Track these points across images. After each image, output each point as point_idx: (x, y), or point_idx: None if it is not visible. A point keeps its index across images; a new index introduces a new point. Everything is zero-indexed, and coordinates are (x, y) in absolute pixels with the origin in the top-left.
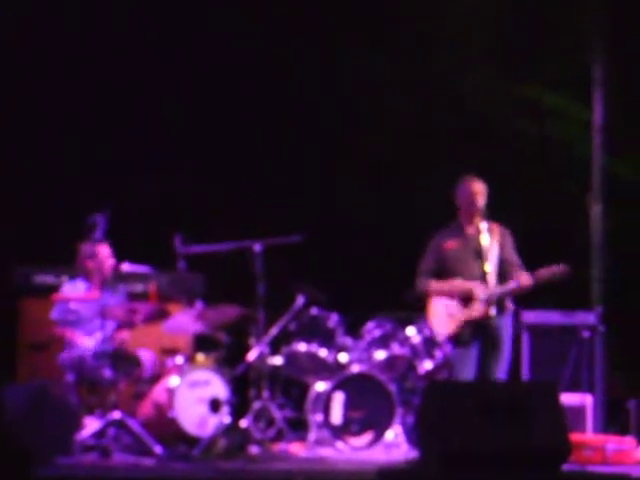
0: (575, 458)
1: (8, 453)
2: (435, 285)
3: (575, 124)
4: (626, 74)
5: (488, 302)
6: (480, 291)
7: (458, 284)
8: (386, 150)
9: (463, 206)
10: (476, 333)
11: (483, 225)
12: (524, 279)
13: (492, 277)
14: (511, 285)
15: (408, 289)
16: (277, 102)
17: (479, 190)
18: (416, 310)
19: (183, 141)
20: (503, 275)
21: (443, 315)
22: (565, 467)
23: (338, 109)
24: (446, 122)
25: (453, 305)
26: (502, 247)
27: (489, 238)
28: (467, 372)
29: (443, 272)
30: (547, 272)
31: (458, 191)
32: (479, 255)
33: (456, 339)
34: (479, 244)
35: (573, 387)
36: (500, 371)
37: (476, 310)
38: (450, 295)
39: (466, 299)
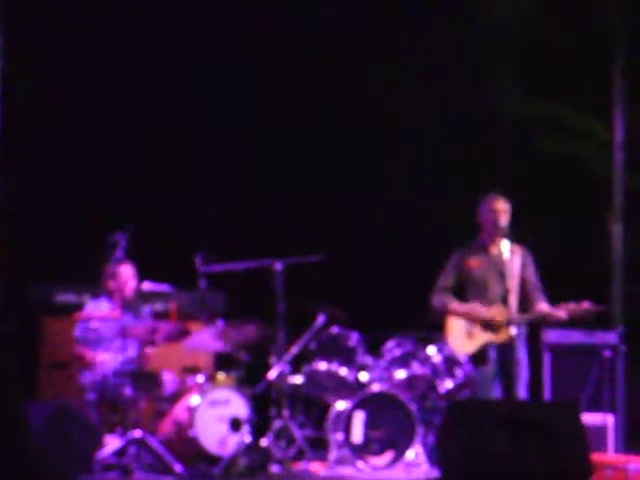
0: (596, 478)
1: (34, 473)
2: (455, 306)
3: (595, 142)
4: None
5: (509, 325)
6: (501, 317)
7: (478, 310)
8: (409, 167)
9: (486, 224)
10: (494, 353)
11: (506, 245)
12: (556, 313)
13: (514, 299)
14: (537, 314)
15: (427, 311)
16: (298, 122)
17: (503, 208)
18: (437, 329)
19: (204, 160)
20: (524, 297)
21: (463, 335)
22: None
23: (361, 127)
24: (467, 140)
25: (474, 325)
26: (524, 268)
27: (512, 259)
28: (491, 392)
29: (464, 290)
30: (578, 309)
31: (481, 209)
32: (502, 276)
33: (475, 359)
34: (502, 264)
35: (594, 407)
36: (521, 391)
37: (499, 334)
38: (468, 319)
39: (486, 321)
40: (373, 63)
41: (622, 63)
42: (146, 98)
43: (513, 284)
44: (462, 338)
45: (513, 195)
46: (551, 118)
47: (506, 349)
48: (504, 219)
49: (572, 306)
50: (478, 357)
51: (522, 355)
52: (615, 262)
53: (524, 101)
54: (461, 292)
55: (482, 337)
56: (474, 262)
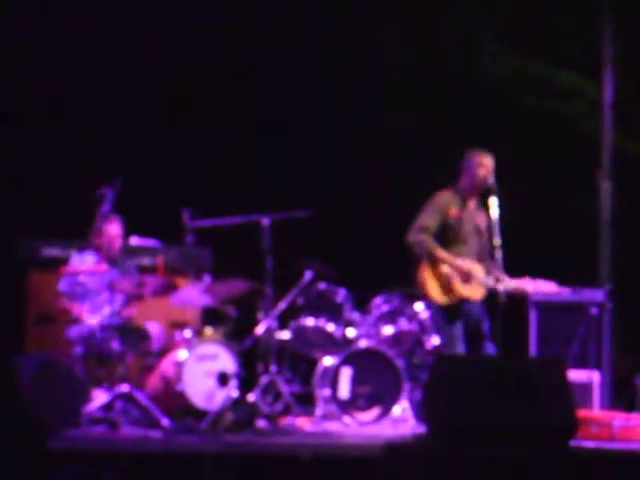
0: (582, 434)
1: (23, 425)
2: (443, 254)
3: (585, 101)
4: (636, 51)
5: (486, 287)
6: (482, 277)
7: (464, 263)
8: (397, 126)
9: (473, 178)
10: (461, 312)
11: (489, 201)
12: (528, 286)
13: (487, 256)
14: (512, 286)
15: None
16: (288, 79)
17: (492, 166)
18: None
19: (194, 115)
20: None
21: (442, 285)
22: (572, 443)
23: (349, 87)
24: (455, 98)
25: (454, 277)
26: (490, 229)
27: (483, 216)
28: (459, 349)
29: (442, 237)
30: (546, 287)
31: (470, 161)
32: (478, 232)
33: (447, 313)
34: (478, 220)
35: (580, 364)
36: (489, 349)
37: (476, 291)
38: (453, 269)
39: (466, 276)
40: (357, 16)
41: (611, 21)
42: (138, 54)
43: (485, 242)
44: (440, 288)
45: (500, 153)
46: (540, 76)
47: (479, 307)
48: (491, 177)
49: (538, 283)
50: (450, 312)
51: (485, 320)
52: (604, 220)
53: (512, 59)
54: (439, 239)
55: (460, 291)
56: (454, 211)
